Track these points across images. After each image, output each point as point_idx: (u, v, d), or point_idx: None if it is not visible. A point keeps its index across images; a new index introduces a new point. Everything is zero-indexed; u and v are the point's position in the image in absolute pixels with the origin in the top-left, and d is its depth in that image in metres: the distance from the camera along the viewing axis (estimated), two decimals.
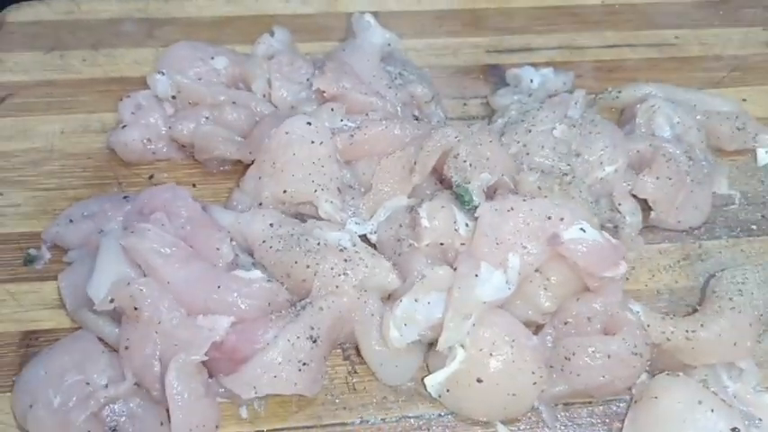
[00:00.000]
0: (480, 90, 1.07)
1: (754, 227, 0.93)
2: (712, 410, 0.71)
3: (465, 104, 1.05)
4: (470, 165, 0.83)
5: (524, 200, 0.79)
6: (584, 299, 0.77)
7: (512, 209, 0.78)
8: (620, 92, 1.02)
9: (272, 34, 1.03)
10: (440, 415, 0.76)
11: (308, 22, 1.14)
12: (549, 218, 0.77)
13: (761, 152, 0.99)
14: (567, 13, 1.19)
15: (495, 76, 1.08)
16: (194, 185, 0.93)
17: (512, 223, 0.77)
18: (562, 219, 0.77)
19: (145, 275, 0.76)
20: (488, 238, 0.78)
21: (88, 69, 1.06)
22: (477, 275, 0.74)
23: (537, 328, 0.79)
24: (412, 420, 0.76)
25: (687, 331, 0.76)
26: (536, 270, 0.77)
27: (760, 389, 0.77)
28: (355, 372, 0.79)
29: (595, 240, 0.77)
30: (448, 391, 0.75)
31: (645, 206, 0.90)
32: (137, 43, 1.10)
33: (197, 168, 0.95)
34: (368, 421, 0.76)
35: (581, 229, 0.77)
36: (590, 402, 0.77)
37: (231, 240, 0.81)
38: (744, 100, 1.06)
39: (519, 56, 1.11)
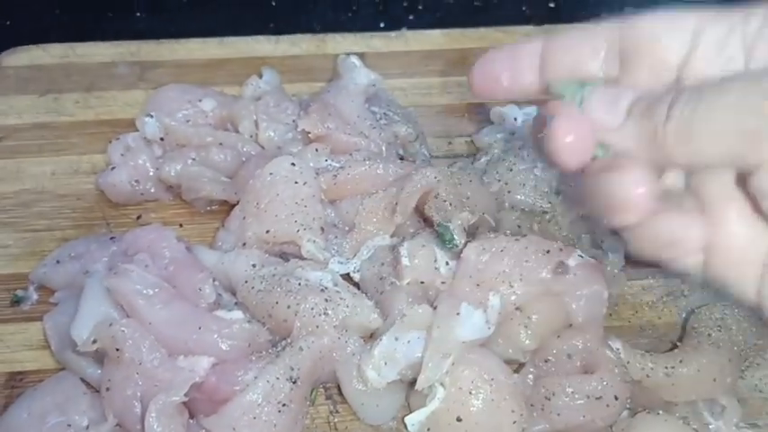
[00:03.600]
0: (465, 129, 1.08)
1: None
2: None
3: (450, 143, 1.06)
4: (450, 204, 0.84)
5: (517, 239, 0.79)
6: (564, 336, 0.77)
7: (503, 249, 0.79)
8: None
9: (260, 76, 1.06)
10: None
11: (297, 63, 1.16)
12: (548, 251, 0.78)
13: None
14: None
15: (480, 114, 1.09)
16: (181, 225, 0.94)
17: (504, 262, 0.78)
18: (561, 249, 0.78)
19: (128, 316, 0.77)
20: (471, 278, 0.78)
21: (81, 112, 1.08)
22: (457, 314, 0.75)
23: (518, 367, 0.80)
24: None
25: (666, 367, 0.76)
26: (516, 308, 0.78)
27: (743, 425, 0.76)
28: (337, 411, 0.79)
29: (594, 264, 0.80)
30: (428, 430, 0.75)
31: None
32: (128, 86, 1.12)
33: (184, 209, 0.96)
34: None
35: (579, 255, 0.78)
36: None
37: (214, 280, 0.81)
38: None
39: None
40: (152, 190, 0.96)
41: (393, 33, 1.22)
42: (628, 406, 0.77)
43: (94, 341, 0.74)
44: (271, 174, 0.87)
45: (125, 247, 0.84)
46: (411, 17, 1.31)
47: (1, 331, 0.84)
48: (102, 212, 0.96)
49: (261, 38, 1.20)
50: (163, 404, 0.71)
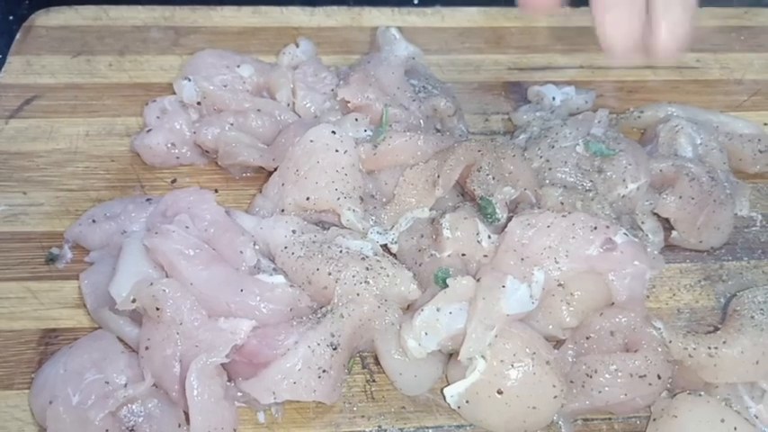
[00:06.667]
0: (502, 106, 1.07)
1: None
2: (735, 429, 0.70)
3: (487, 120, 1.05)
4: (493, 178, 0.84)
5: (564, 215, 0.79)
6: (607, 314, 0.77)
7: (550, 224, 0.78)
8: (642, 112, 1.02)
9: (297, 45, 1.05)
10: (458, 426, 0.76)
11: (332, 35, 1.15)
12: (595, 228, 0.78)
13: None
14: (589, 34, 1.18)
15: (517, 93, 1.09)
16: (216, 191, 0.93)
17: (550, 237, 0.77)
18: (608, 227, 0.78)
19: (167, 276, 0.76)
20: (515, 252, 0.78)
21: (114, 74, 1.07)
22: (502, 287, 0.74)
23: (557, 344, 0.79)
24: (430, 431, 0.75)
25: (709, 348, 0.75)
26: (559, 284, 0.77)
27: None
28: (374, 380, 0.79)
29: (638, 242, 0.79)
30: (467, 402, 0.74)
31: (666, 225, 0.90)
32: (162, 50, 1.11)
33: (219, 174, 0.96)
34: (386, 430, 0.75)
35: (624, 233, 0.78)
36: (609, 418, 0.77)
37: (254, 244, 0.81)
38: (765, 124, 1.07)
39: (540, 74, 1.12)
40: (188, 154, 0.95)
41: (429, 9, 1.20)
42: (667, 386, 0.77)
43: (134, 300, 0.74)
44: (311, 141, 0.86)
45: (163, 209, 0.83)
46: None
47: (35, 288, 0.83)
48: (137, 175, 0.95)
49: (295, 8, 1.19)
50: (203, 365, 0.70)
